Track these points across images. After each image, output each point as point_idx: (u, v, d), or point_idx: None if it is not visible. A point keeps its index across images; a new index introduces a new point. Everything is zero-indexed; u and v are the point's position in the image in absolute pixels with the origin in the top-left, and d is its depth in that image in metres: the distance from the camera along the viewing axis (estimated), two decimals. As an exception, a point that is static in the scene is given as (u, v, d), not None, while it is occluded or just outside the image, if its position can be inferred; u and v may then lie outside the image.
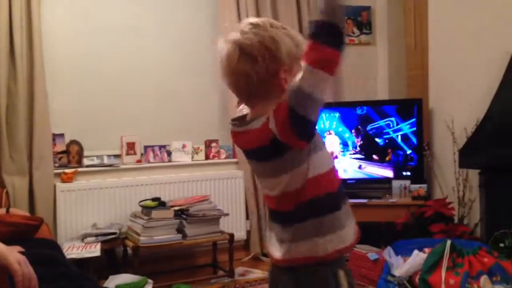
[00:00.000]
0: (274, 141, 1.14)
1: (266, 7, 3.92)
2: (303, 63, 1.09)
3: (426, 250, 2.90)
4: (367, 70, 4.43)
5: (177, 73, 3.83)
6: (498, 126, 3.14)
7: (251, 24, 1.19)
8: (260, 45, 1.16)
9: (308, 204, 1.21)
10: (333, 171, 1.26)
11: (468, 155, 3.21)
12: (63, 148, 3.44)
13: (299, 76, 1.09)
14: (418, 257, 2.87)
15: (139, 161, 3.64)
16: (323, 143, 1.25)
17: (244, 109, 1.31)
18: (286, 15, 3.97)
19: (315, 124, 1.14)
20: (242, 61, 1.17)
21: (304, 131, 1.12)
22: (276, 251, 1.27)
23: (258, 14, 3.88)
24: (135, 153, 3.63)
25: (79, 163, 3.47)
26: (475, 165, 3.27)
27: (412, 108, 3.76)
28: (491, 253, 2.72)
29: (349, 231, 1.25)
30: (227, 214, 3.53)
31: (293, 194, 1.21)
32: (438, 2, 3.81)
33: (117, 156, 3.60)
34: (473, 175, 3.40)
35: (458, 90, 3.62)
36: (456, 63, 3.65)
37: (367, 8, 4.45)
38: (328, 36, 1.07)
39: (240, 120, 1.26)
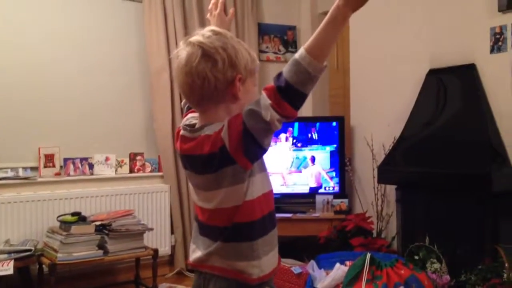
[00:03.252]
0: (222, 150, 1.14)
1: (194, 16, 3.92)
2: (264, 93, 1.11)
3: (348, 263, 3.00)
4: (292, 87, 4.54)
5: (101, 83, 3.71)
6: (411, 145, 3.34)
7: (213, 31, 1.21)
8: (222, 50, 1.17)
9: (244, 226, 1.20)
10: (271, 193, 1.27)
11: (386, 171, 3.37)
12: (-26, 159, 3.21)
13: (261, 100, 1.11)
14: (340, 270, 2.96)
15: (58, 174, 3.47)
16: (264, 165, 1.26)
17: (190, 119, 1.31)
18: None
19: (264, 148, 1.15)
20: (203, 62, 1.16)
21: (251, 152, 1.14)
22: (198, 257, 1.26)
23: (185, 23, 3.87)
24: (54, 166, 3.46)
25: (-9, 175, 3.25)
26: (392, 181, 3.45)
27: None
28: (407, 265, 2.86)
29: (273, 259, 1.26)
30: (151, 229, 3.45)
31: (229, 211, 1.20)
32: (358, 26, 4.00)
33: (34, 168, 3.41)
34: (391, 190, 3.58)
35: (377, 110, 3.82)
36: (375, 84, 3.86)
37: (293, 28, 4.59)
38: (291, 97, 1.10)
39: (192, 127, 1.24)
